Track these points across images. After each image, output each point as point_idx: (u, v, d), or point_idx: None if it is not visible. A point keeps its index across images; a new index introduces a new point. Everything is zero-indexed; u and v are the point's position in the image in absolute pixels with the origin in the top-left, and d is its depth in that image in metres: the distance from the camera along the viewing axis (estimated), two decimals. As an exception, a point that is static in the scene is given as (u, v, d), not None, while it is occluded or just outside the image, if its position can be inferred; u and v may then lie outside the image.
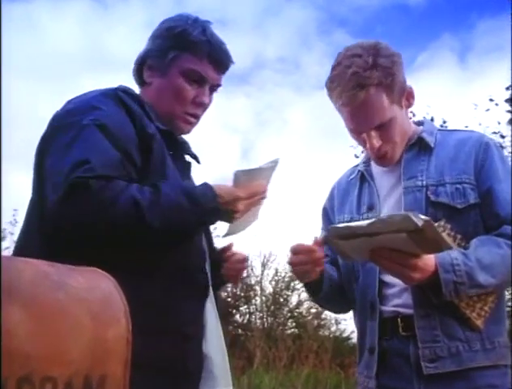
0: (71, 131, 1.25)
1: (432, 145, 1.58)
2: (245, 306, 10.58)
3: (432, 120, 7.75)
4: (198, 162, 1.61)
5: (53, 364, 0.77)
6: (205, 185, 1.33)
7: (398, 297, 1.52)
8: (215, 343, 1.38)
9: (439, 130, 1.68)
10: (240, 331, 10.17)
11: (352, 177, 1.73)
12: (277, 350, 7.84)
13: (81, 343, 0.83)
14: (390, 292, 1.53)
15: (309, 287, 1.62)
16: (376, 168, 1.66)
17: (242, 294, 10.63)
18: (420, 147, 1.59)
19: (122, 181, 1.23)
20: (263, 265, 10.08)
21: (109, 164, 1.23)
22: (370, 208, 1.59)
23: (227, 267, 1.51)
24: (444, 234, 1.42)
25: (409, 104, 1.59)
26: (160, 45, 1.46)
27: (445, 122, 7.76)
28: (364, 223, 1.28)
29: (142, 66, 1.50)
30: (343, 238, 1.36)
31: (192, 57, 1.43)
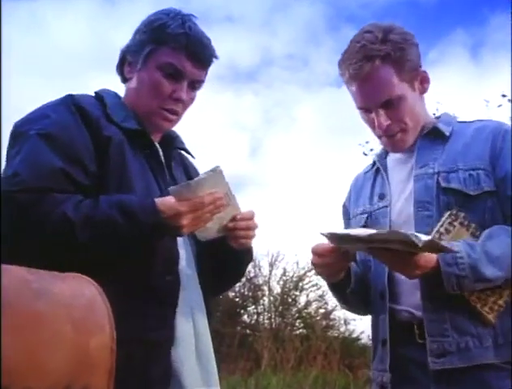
0: (18, 143, 1.27)
1: (447, 133, 1.55)
2: (253, 307, 10.56)
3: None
4: (192, 156, 1.59)
5: (31, 374, 0.75)
6: (148, 200, 1.30)
7: (410, 295, 1.48)
8: (187, 349, 1.34)
9: (459, 121, 1.64)
10: (248, 331, 10.14)
11: (367, 170, 1.72)
12: (285, 351, 7.83)
13: (62, 352, 0.81)
14: (400, 289, 1.50)
15: (335, 286, 1.58)
16: (390, 160, 1.64)
17: (250, 294, 10.61)
18: (434, 136, 1.56)
19: (61, 194, 1.22)
20: (271, 265, 10.06)
21: (46, 175, 1.22)
22: (381, 197, 1.57)
23: (234, 233, 1.42)
24: (456, 226, 1.39)
25: (423, 89, 1.56)
26: (138, 40, 1.44)
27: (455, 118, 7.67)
28: (365, 233, 1.25)
29: (123, 63, 1.49)
30: (340, 243, 1.34)
31: (169, 51, 1.41)
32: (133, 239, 1.25)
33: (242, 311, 10.60)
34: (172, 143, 1.54)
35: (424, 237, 1.21)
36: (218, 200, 1.30)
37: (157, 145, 1.47)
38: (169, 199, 1.29)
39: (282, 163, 14.54)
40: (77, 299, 0.87)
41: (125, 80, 1.50)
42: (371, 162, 1.72)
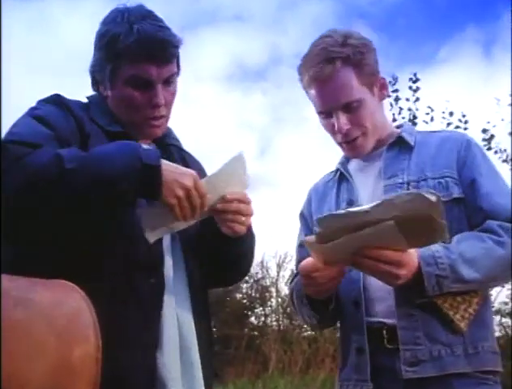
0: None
1: (412, 144, 1.57)
2: (261, 308, 10.54)
3: (451, 114, 7.62)
4: (186, 152, 1.56)
5: (9, 387, 0.73)
6: (157, 150, 1.27)
7: (380, 302, 1.46)
8: (171, 353, 1.30)
9: (419, 132, 1.67)
10: (255, 333, 10.12)
11: (328, 179, 1.71)
12: (292, 354, 7.81)
13: (43, 363, 0.78)
14: (371, 297, 1.48)
15: (316, 304, 1.52)
16: (352, 168, 1.64)
17: (257, 296, 10.59)
18: (400, 146, 1.57)
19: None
20: (279, 266, 10.03)
21: (40, 136, 1.23)
22: (350, 203, 1.56)
23: (222, 216, 1.34)
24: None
25: (382, 96, 1.57)
26: (97, 59, 1.42)
27: (464, 116, 7.61)
28: (368, 206, 1.20)
29: (95, 81, 1.47)
30: (324, 240, 1.28)
31: (128, 63, 1.37)
32: (125, 177, 1.18)
33: (250, 313, 10.59)
34: (163, 141, 1.52)
35: (435, 192, 1.18)
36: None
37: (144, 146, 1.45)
38: (182, 167, 1.27)
39: (291, 163, 14.52)
40: (59, 307, 0.84)
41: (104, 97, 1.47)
42: (332, 171, 1.71)
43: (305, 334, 9.11)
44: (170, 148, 1.53)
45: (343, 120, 1.49)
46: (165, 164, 1.23)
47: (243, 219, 1.35)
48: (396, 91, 7.91)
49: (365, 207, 1.22)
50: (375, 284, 1.42)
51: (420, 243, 1.31)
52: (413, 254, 1.34)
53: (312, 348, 8.05)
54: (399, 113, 7.86)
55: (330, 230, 1.26)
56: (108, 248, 1.28)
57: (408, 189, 1.48)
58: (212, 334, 1.51)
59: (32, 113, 1.33)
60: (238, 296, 10.71)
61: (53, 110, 1.35)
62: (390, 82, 7.93)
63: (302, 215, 1.73)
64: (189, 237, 1.42)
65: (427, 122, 7.75)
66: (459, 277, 1.36)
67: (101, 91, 1.45)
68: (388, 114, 7.83)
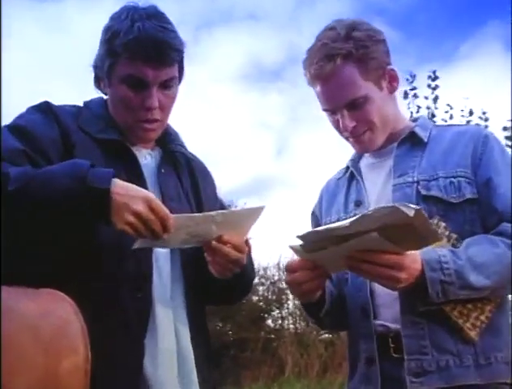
0: None
1: (425, 140, 1.50)
2: (277, 311, 10.50)
3: (470, 113, 7.52)
4: (191, 159, 1.53)
5: (-8, 402, 0.71)
6: (108, 170, 1.19)
7: (386, 309, 1.41)
8: (168, 369, 1.27)
9: (436, 126, 1.60)
10: (272, 336, 10.09)
11: (339, 176, 1.66)
12: (309, 357, 7.76)
13: (28, 377, 0.77)
14: (377, 302, 1.43)
15: (308, 308, 1.49)
16: (364, 165, 1.59)
17: (274, 298, 10.55)
18: (412, 142, 1.51)
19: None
20: (295, 268, 9.98)
21: (6, 153, 1.21)
22: (357, 204, 1.51)
23: (212, 255, 1.31)
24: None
25: (392, 88, 1.52)
26: (99, 55, 1.39)
27: (484, 113, 7.50)
28: (347, 222, 1.17)
29: (96, 78, 1.45)
30: (310, 250, 1.25)
31: (125, 61, 1.33)
32: (68, 195, 1.13)
33: (266, 316, 10.55)
34: (169, 147, 1.48)
35: (414, 206, 1.12)
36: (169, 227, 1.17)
37: (136, 153, 1.41)
38: (135, 186, 1.19)
39: (308, 162, 14.46)
40: (47, 318, 0.83)
41: (104, 94, 1.46)
42: (344, 167, 1.66)
43: (322, 337, 9.05)
44: (176, 155, 1.49)
45: (347, 118, 1.46)
46: (117, 186, 1.16)
47: (230, 265, 1.31)
48: (414, 89, 7.82)
49: (344, 222, 1.18)
50: (383, 288, 1.38)
51: (415, 247, 1.26)
52: (416, 258, 1.28)
53: (329, 351, 8.00)
54: (417, 112, 7.76)
55: (314, 244, 1.24)
56: (93, 261, 1.25)
57: (418, 189, 1.42)
58: (210, 347, 1.46)
59: (14, 122, 1.32)
60: (254, 298, 10.67)
61: (38, 118, 1.33)
62: (407, 79, 7.85)
63: (313, 215, 1.69)
64: (189, 249, 1.38)
65: (446, 121, 7.66)
66: (467, 284, 1.30)
67: (102, 88, 1.44)
68: (406, 112, 7.80)
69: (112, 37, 1.35)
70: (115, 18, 1.38)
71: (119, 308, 1.25)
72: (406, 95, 7.87)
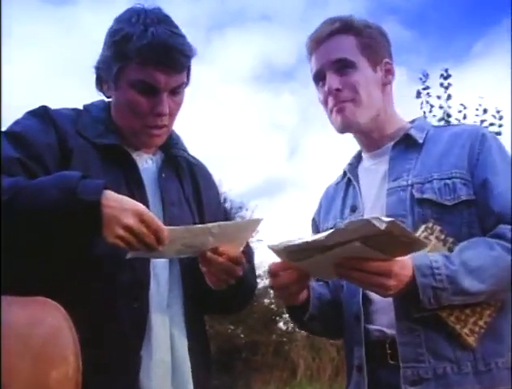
0: None
1: (420, 141, 1.48)
2: (289, 314, 10.48)
3: (485, 111, 7.45)
4: (194, 164, 1.52)
5: (-21, 413, 0.71)
6: (98, 180, 1.18)
7: (383, 314, 1.38)
8: (162, 380, 1.26)
9: (435, 126, 1.55)
10: (284, 339, 10.07)
11: (338, 181, 1.64)
12: (321, 361, 7.74)
13: (17, 386, 0.77)
14: (373, 308, 1.40)
15: (292, 311, 1.46)
16: (362, 169, 1.57)
17: (286, 301, 10.53)
18: (407, 144, 1.49)
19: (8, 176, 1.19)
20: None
21: (4, 160, 1.21)
22: (353, 210, 1.49)
23: (207, 266, 1.30)
24: (432, 241, 1.31)
25: (387, 80, 1.51)
26: (105, 57, 1.37)
27: (498, 112, 7.42)
28: (322, 235, 1.16)
29: (99, 80, 1.43)
30: (295, 259, 1.24)
31: (137, 66, 1.32)
32: (59, 212, 1.12)
33: (278, 318, 10.54)
34: (171, 152, 1.47)
35: (387, 219, 1.09)
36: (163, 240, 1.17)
37: (136, 158, 1.40)
38: (127, 198, 1.17)
39: (321, 163, 14.43)
40: (36, 327, 0.82)
41: (107, 97, 1.45)
42: (342, 172, 1.64)
43: (334, 340, 9.01)
44: (178, 159, 1.49)
45: (333, 80, 1.46)
46: (108, 198, 1.14)
47: (225, 277, 1.30)
48: (427, 88, 7.76)
49: (320, 235, 1.17)
50: (376, 295, 1.35)
51: (402, 253, 1.24)
52: (406, 264, 1.25)
53: (341, 354, 7.95)
54: (430, 111, 7.71)
55: (298, 253, 1.23)
56: (88, 270, 1.24)
57: (412, 192, 1.40)
58: (209, 355, 1.45)
59: (10, 129, 1.32)
60: (266, 301, 10.66)
61: (34, 124, 1.32)
62: (420, 78, 7.81)
63: (313, 221, 1.67)
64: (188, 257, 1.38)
65: (459, 120, 7.60)
66: (461, 289, 1.27)
67: (104, 91, 1.42)
68: (419, 113, 7.74)
69: (122, 40, 1.33)
70: (124, 20, 1.37)
71: (115, 319, 1.24)
72: (419, 94, 7.82)
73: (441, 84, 7.71)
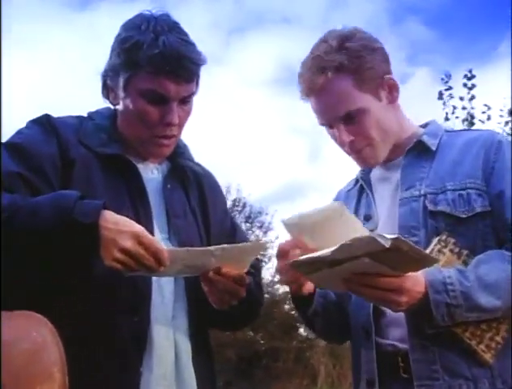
0: None
1: (433, 148, 1.43)
2: (310, 320, 10.41)
3: (510, 113, 7.33)
4: (200, 174, 1.49)
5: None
6: (96, 201, 1.16)
7: (395, 328, 1.35)
8: None
9: (447, 131, 1.50)
10: (304, 345, 10.02)
11: (349, 188, 1.60)
12: (342, 368, 7.67)
13: (-2, 405, 0.75)
14: (385, 321, 1.36)
15: (298, 303, 1.41)
16: (374, 177, 1.52)
17: (307, 306, 10.48)
18: (420, 151, 1.44)
19: (9, 194, 1.18)
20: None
21: (4, 176, 1.20)
22: (367, 219, 1.45)
23: (209, 286, 1.29)
24: (446, 253, 1.28)
25: (393, 98, 1.44)
26: (113, 65, 1.35)
27: (524, 113, 7.32)
28: (329, 250, 1.14)
29: (106, 88, 1.38)
30: (305, 272, 1.22)
31: (147, 75, 1.31)
32: (56, 237, 1.11)
33: (298, 324, 10.47)
34: (178, 162, 1.44)
35: (391, 236, 1.08)
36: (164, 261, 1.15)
37: (141, 168, 1.38)
38: (125, 220, 1.15)
39: (342, 167, 14.34)
40: (19, 343, 0.81)
41: (113, 105, 1.43)
42: (354, 178, 1.59)
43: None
44: (185, 169, 1.46)
45: (344, 132, 1.41)
46: (106, 219, 1.13)
47: (227, 297, 1.27)
48: (450, 89, 7.69)
49: (326, 251, 1.15)
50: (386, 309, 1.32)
51: (413, 269, 1.21)
52: (418, 280, 1.23)
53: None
54: (453, 113, 7.64)
55: (307, 267, 1.21)
56: (86, 284, 1.21)
57: (424, 203, 1.36)
58: (214, 368, 1.42)
59: (12, 139, 1.31)
60: (286, 307, 10.62)
61: (36, 133, 1.31)
62: (442, 79, 7.73)
63: None
64: None
65: (483, 122, 7.50)
66: (475, 305, 1.24)
67: (111, 99, 1.39)
68: (441, 114, 7.66)
69: (132, 48, 1.31)
70: (133, 28, 1.35)
71: (114, 333, 1.22)
72: (441, 95, 7.75)
73: (465, 85, 7.64)
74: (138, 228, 1.15)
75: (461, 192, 1.34)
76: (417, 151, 1.44)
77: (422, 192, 1.38)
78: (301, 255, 1.24)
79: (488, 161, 1.35)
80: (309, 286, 1.34)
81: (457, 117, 7.59)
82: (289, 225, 1.27)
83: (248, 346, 9.56)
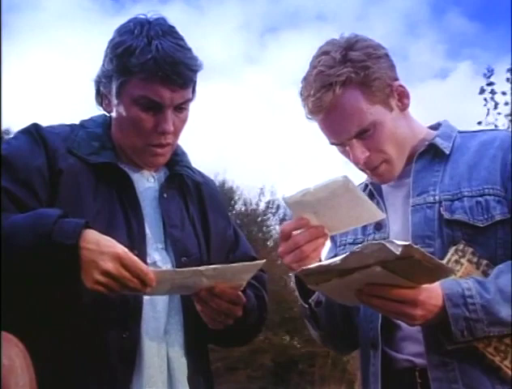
0: None
1: (447, 151, 1.37)
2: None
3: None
4: (200, 183, 1.44)
5: None
6: (78, 221, 1.13)
7: (412, 342, 1.30)
8: None
9: (461, 132, 1.44)
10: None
11: None
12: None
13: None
14: (401, 335, 1.30)
15: (300, 289, 1.35)
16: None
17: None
18: (433, 155, 1.38)
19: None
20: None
21: None
22: (377, 228, 1.39)
23: (202, 306, 1.25)
24: (464, 264, 1.23)
25: (403, 106, 1.38)
26: (106, 71, 1.31)
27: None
28: (337, 259, 1.11)
29: (99, 94, 1.35)
30: (314, 282, 1.18)
31: (139, 82, 1.27)
32: (37, 259, 1.09)
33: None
34: (175, 170, 1.40)
35: (402, 243, 1.04)
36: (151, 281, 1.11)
37: (137, 176, 1.34)
38: (107, 240, 1.11)
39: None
40: (-17, 367, 0.77)
41: (107, 112, 1.37)
42: (363, 182, 1.51)
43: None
44: (183, 177, 1.42)
45: (358, 149, 1.34)
46: (86, 240, 1.10)
47: (222, 317, 1.23)
48: (492, 84, 7.48)
49: (336, 259, 1.11)
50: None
51: (428, 281, 1.16)
52: (435, 292, 1.17)
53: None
54: (495, 108, 7.42)
55: (312, 278, 1.17)
56: (73, 300, 1.17)
57: (440, 211, 1.30)
58: (212, 386, 1.37)
59: (2, 150, 1.27)
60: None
61: (23, 144, 1.29)
62: (484, 74, 7.55)
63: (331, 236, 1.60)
64: None
65: (527, 119, 7.27)
66: (497, 319, 1.18)
67: (104, 106, 1.35)
68: (482, 109, 7.46)
69: (124, 54, 1.28)
70: (126, 32, 1.31)
71: (102, 351, 1.19)
72: (482, 90, 7.56)
73: (508, 79, 7.42)
74: (121, 248, 1.11)
75: (478, 199, 1.28)
76: (429, 155, 1.37)
77: (437, 198, 1.31)
78: (304, 234, 1.22)
79: (506, 165, 1.29)
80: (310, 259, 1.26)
81: (499, 114, 7.37)
82: (292, 203, 1.23)
83: (284, 351, 9.51)
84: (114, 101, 1.31)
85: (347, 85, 1.30)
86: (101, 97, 1.36)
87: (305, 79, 1.35)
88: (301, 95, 1.36)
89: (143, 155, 1.33)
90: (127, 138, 1.33)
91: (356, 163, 1.36)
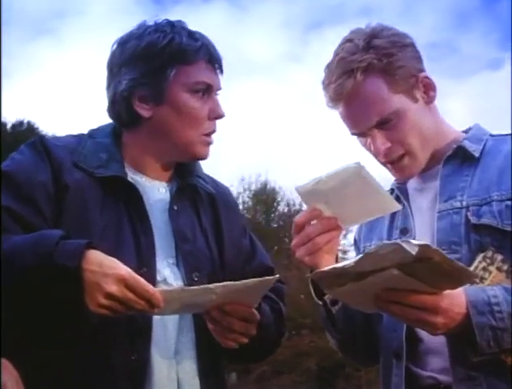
0: None
1: (476, 155, 1.33)
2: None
3: None
4: (212, 193, 1.38)
5: None
6: (79, 242, 1.10)
7: (434, 356, 1.25)
8: None
9: (493, 135, 1.38)
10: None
11: None
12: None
13: None
14: (423, 349, 1.26)
15: (316, 288, 1.30)
16: (411, 187, 1.43)
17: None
18: (462, 158, 1.34)
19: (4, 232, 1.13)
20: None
21: None
22: (403, 232, 1.36)
23: (213, 324, 1.21)
24: (492, 272, 1.19)
25: (429, 99, 1.34)
26: (147, 68, 1.28)
27: None
28: (352, 261, 1.08)
29: (129, 103, 1.29)
30: (328, 286, 1.15)
31: (191, 68, 1.28)
32: (39, 281, 1.07)
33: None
34: (188, 180, 1.36)
35: (419, 242, 1.01)
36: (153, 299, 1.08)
37: (148, 187, 1.31)
38: (111, 261, 1.09)
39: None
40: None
41: (135, 122, 1.31)
42: (389, 188, 1.46)
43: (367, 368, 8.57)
44: (196, 188, 1.38)
45: (379, 139, 1.31)
46: (90, 261, 1.07)
47: (235, 336, 1.19)
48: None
49: (350, 262, 1.08)
50: (423, 333, 1.23)
51: (449, 286, 1.11)
52: (458, 299, 1.13)
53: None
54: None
55: (326, 282, 1.15)
56: (77, 318, 1.12)
57: (467, 216, 1.26)
58: None
59: (6, 166, 1.26)
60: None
61: (28, 159, 1.26)
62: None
63: (355, 241, 1.55)
64: None
65: None
66: None
67: (142, 114, 1.30)
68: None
69: (171, 45, 1.28)
70: (153, 31, 1.30)
71: (109, 375, 1.15)
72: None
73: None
74: (125, 270, 1.08)
75: (508, 203, 1.24)
76: (459, 159, 1.34)
77: (464, 203, 1.28)
78: (316, 226, 1.21)
79: None
80: (327, 260, 1.24)
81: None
82: (304, 193, 1.21)
83: (329, 355, 9.36)
84: (157, 100, 1.29)
85: (369, 72, 1.29)
86: (132, 104, 1.30)
87: (328, 66, 1.34)
88: (323, 83, 1.34)
89: (195, 148, 1.31)
90: (179, 134, 1.30)
91: (377, 154, 1.33)
